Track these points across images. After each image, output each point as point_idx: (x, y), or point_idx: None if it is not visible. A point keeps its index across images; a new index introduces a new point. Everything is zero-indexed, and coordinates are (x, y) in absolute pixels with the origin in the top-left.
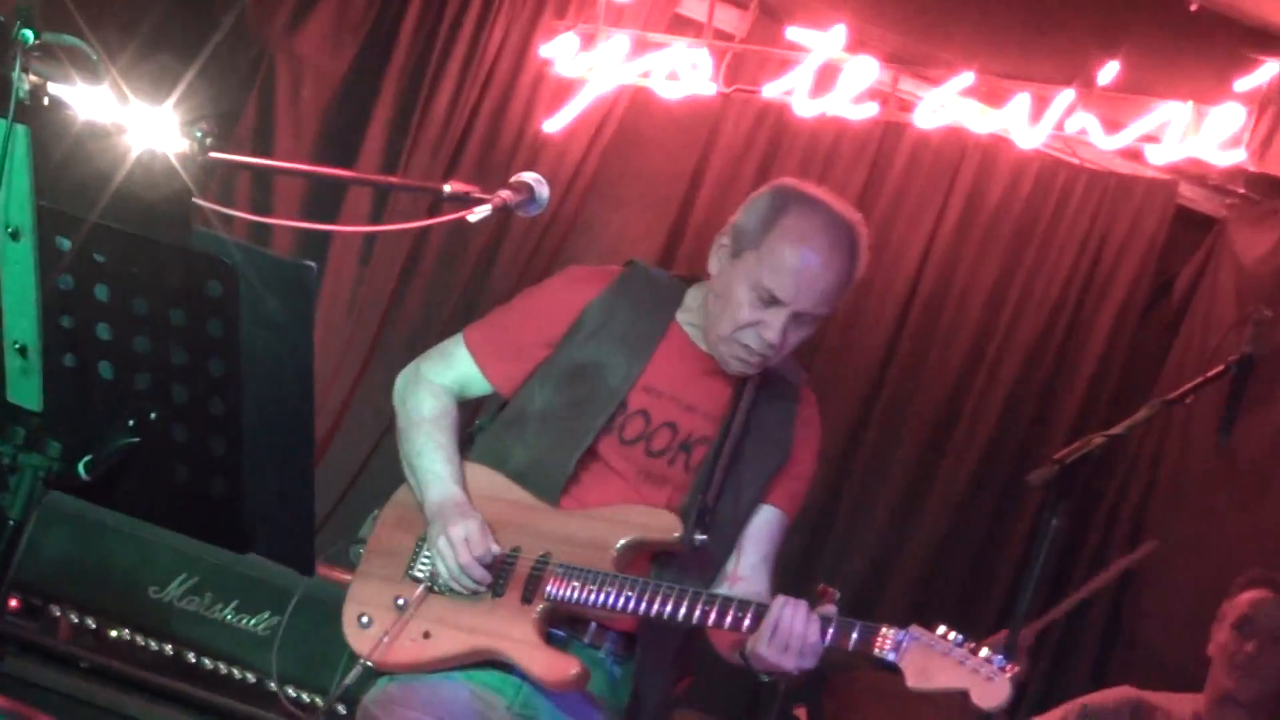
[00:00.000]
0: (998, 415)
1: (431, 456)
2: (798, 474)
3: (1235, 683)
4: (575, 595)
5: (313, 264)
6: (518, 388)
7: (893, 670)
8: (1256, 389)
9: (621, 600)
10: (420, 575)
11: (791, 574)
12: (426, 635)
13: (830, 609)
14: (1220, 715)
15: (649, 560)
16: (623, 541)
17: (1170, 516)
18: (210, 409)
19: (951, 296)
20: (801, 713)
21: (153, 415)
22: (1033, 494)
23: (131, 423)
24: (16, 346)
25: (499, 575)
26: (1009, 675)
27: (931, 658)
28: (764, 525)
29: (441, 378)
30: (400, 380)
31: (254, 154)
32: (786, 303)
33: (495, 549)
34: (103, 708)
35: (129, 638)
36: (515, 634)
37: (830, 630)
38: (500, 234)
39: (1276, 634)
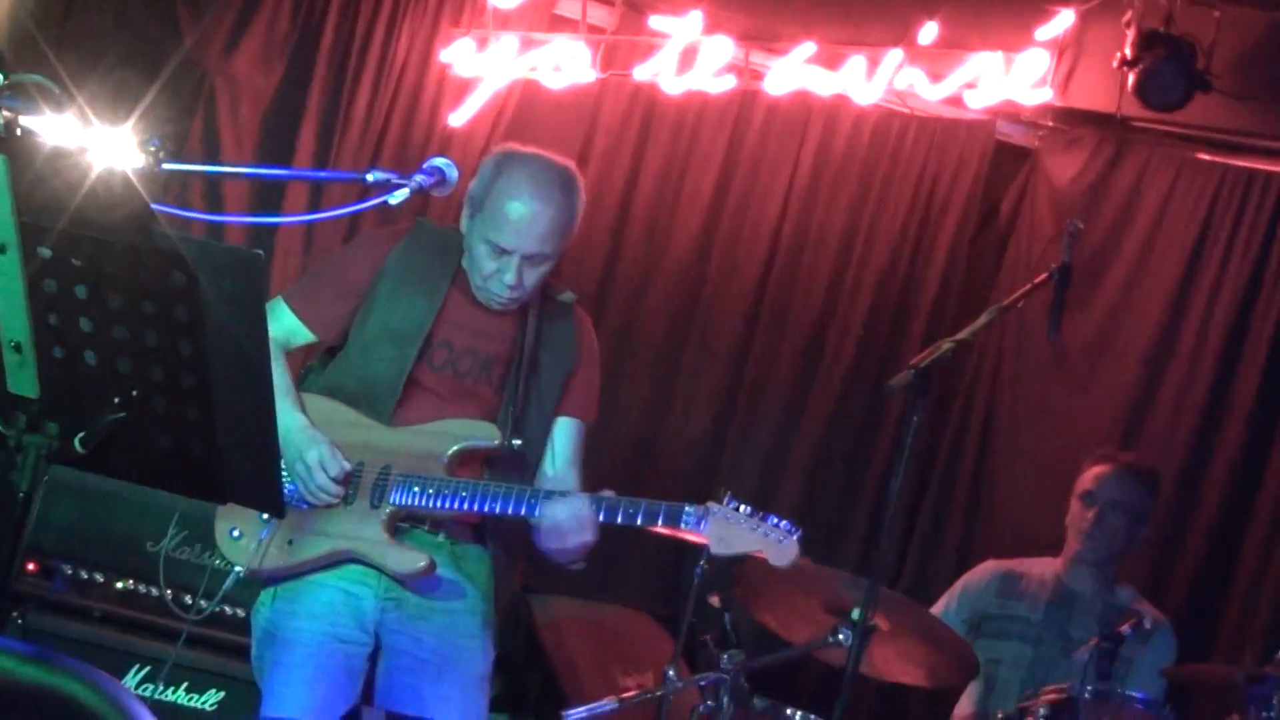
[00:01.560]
0: (859, 335)
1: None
2: (586, 379)
3: (1082, 545)
4: (415, 500)
5: (260, 251)
6: (337, 332)
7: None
8: (1077, 291)
9: (455, 501)
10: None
11: (695, 479)
12: (290, 544)
13: (608, 492)
14: (1073, 574)
15: (481, 464)
16: (451, 450)
17: (1014, 404)
18: (184, 382)
19: (810, 238)
20: (715, 599)
21: (135, 393)
22: (896, 397)
23: (117, 400)
24: (12, 344)
25: (349, 488)
26: (796, 538)
27: (729, 528)
28: (565, 434)
29: (271, 333)
30: None
31: (203, 164)
32: (513, 251)
33: (346, 466)
34: (116, 649)
35: (133, 587)
36: (366, 534)
37: (602, 510)
38: (421, 213)
39: (1114, 501)
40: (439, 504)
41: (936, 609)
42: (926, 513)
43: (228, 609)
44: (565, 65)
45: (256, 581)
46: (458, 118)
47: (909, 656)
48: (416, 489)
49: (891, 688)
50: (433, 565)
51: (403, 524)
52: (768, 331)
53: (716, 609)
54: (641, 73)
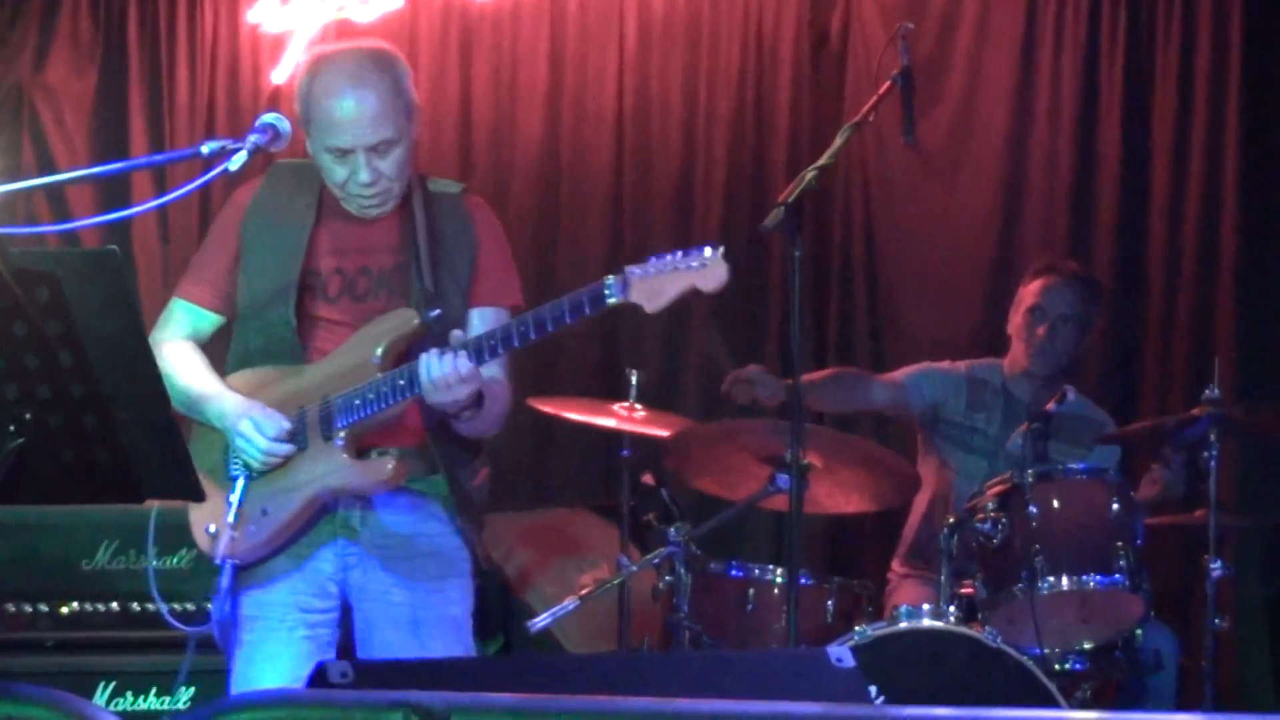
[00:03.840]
0: (724, 186)
1: (198, 387)
2: (495, 263)
3: (1030, 361)
4: (361, 412)
5: (115, 247)
6: (231, 302)
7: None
8: (923, 90)
9: (396, 393)
10: (236, 473)
11: (601, 367)
12: (265, 513)
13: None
14: (1020, 386)
15: (402, 354)
16: (378, 350)
17: (890, 214)
18: (74, 393)
19: (654, 106)
20: (649, 478)
21: (28, 416)
22: (773, 235)
23: (13, 428)
24: None
25: (298, 435)
26: (719, 254)
27: (652, 281)
28: (477, 327)
29: (174, 335)
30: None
31: (38, 178)
32: (353, 148)
33: (285, 424)
34: (79, 672)
35: (78, 608)
36: (331, 466)
37: (530, 328)
38: None
39: (1064, 315)
40: (381, 404)
41: (895, 375)
42: (834, 339)
43: (177, 605)
44: None
45: (246, 567)
46: (279, 74)
47: (849, 485)
48: (357, 401)
49: (840, 520)
50: (401, 466)
51: (360, 448)
52: (634, 207)
53: (652, 486)
54: None
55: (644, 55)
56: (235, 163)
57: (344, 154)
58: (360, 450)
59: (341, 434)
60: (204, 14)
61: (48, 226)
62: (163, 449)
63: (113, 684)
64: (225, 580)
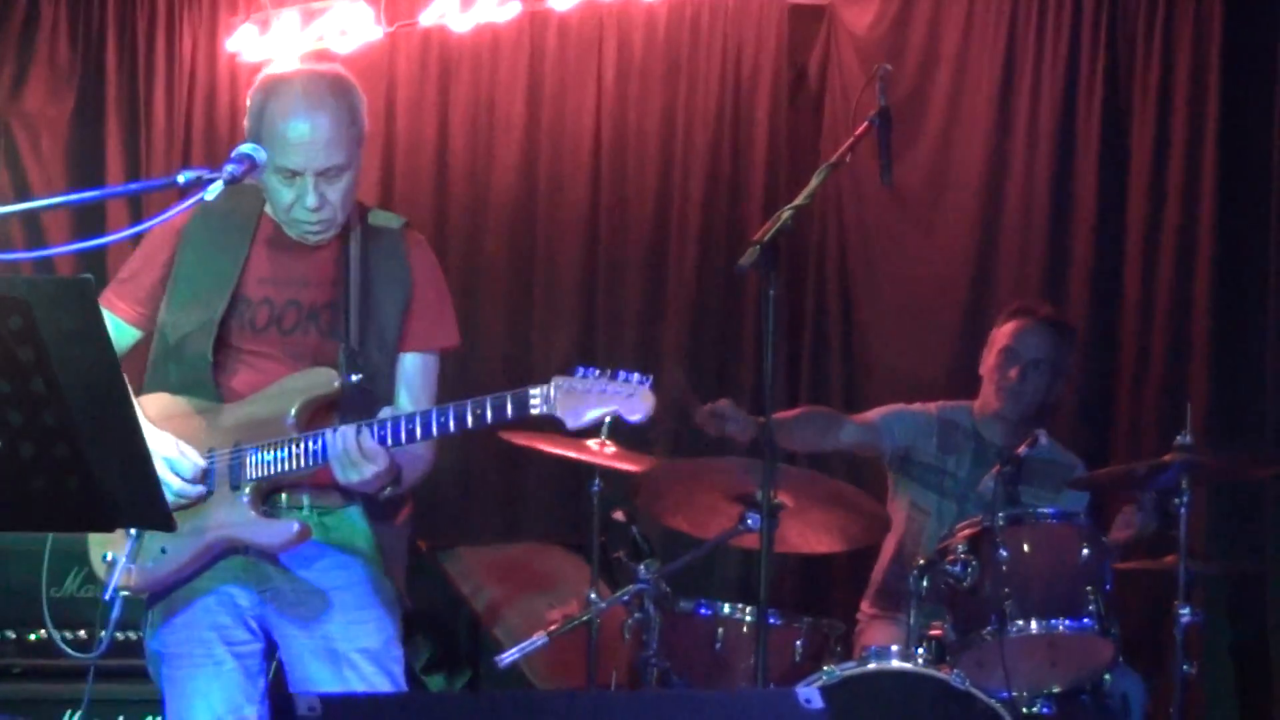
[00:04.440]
0: (700, 225)
1: None
2: (429, 305)
3: (1002, 403)
4: (271, 469)
5: (89, 275)
6: (153, 320)
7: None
8: (900, 132)
9: (307, 457)
10: None
11: None
12: (163, 551)
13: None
14: (990, 429)
15: (331, 413)
16: (294, 408)
17: (866, 256)
18: (45, 421)
19: (630, 143)
20: (619, 514)
21: None
22: (749, 278)
23: None
24: None
25: (208, 477)
26: (647, 386)
27: (577, 398)
28: (414, 369)
29: None
30: None
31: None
32: (303, 171)
33: (200, 463)
34: (47, 700)
35: (46, 635)
36: (235, 519)
37: (450, 418)
38: None
39: (1037, 360)
40: (292, 466)
41: (867, 416)
42: (806, 380)
43: (133, 634)
44: (350, 28)
45: (141, 600)
46: None
47: (819, 525)
48: (269, 457)
49: (810, 560)
50: (306, 529)
51: (268, 500)
52: (610, 241)
53: (623, 523)
54: (427, 18)
55: (622, 91)
56: (211, 193)
57: (293, 176)
58: (267, 499)
59: (249, 489)
60: (182, 42)
61: (22, 253)
62: (134, 478)
63: (79, 713)
64: (115, 613)
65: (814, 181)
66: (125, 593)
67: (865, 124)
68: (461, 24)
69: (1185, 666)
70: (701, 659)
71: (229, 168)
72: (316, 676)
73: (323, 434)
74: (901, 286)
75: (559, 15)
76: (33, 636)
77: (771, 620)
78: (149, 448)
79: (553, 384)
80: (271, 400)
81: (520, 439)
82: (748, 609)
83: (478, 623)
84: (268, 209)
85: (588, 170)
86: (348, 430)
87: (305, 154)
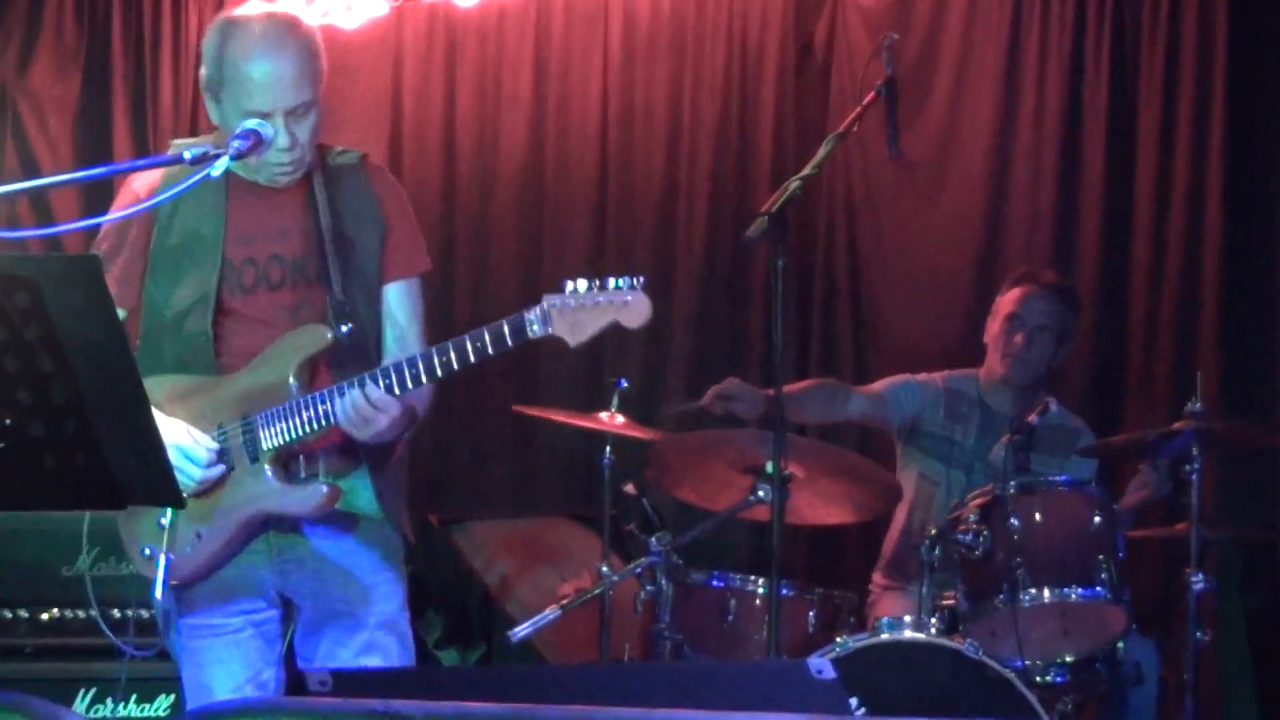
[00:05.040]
0: (709, 196)
1: None
2: (402, 233)
3: (1007, 369)
4: (286, 435)
5: (96, 253)
6: (136, 297)
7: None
8: (907, 102)
9: (318, 419)
10: None
11: (583, 370)
12: (199, 536)
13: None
14: (997, 397)
15: (328, 369)
16: (292, 370)
17: (874, 226)
18: (54, 399)
19: (638, 115)
20: (630, 487)
21: (8, 421)
22: (758, 249)
23: None
24: None
25: (225, 455)
26: (641, 289)
27: (573, 314)
28: (398, 298)
29: None
30: None
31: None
32: (273, 110)
33: (212, 446)
34: (58, 679)
35: (59, 614)
36: (262, 491)
37: (451, 356)
38: None
39: (1042, 325)
40: (305, 430)
41: (874, 387)
42: (816, 350)
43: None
44: (355, 3)
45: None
46: None
47: (830, 496)
48: (281, 425)
49: (822, 531)
50: (336, 491)
51: (288, 468)
52: (618, 215)
53: (634, 496)
54: None
55: (628, 64)
56: (218, 168)
57: (262, 118)
58: (287, 467)
59: (268, 459)
60: (188, 18)
61: (29, 231)
62: (143, 455)
63: (93, 690)
64: (169, 603)
65: (821, 152)
66: (174, 583)
67: (872, 94)
68: None
69: (1198, 634)
70: (714, 631)
71: (235, 144)
72: (331, 639)
73: (330, 394)
74: (910, 256)
75: None
76: (45, 616)
77: (784, 592)
78: (159, 431)
79: (545, 302)
80: (270, 365)
81: (532, 411)
82: (760, 580)
83: (490, 597)
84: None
85: (595, 145)
86: (351, 389)
87: (273, 93)
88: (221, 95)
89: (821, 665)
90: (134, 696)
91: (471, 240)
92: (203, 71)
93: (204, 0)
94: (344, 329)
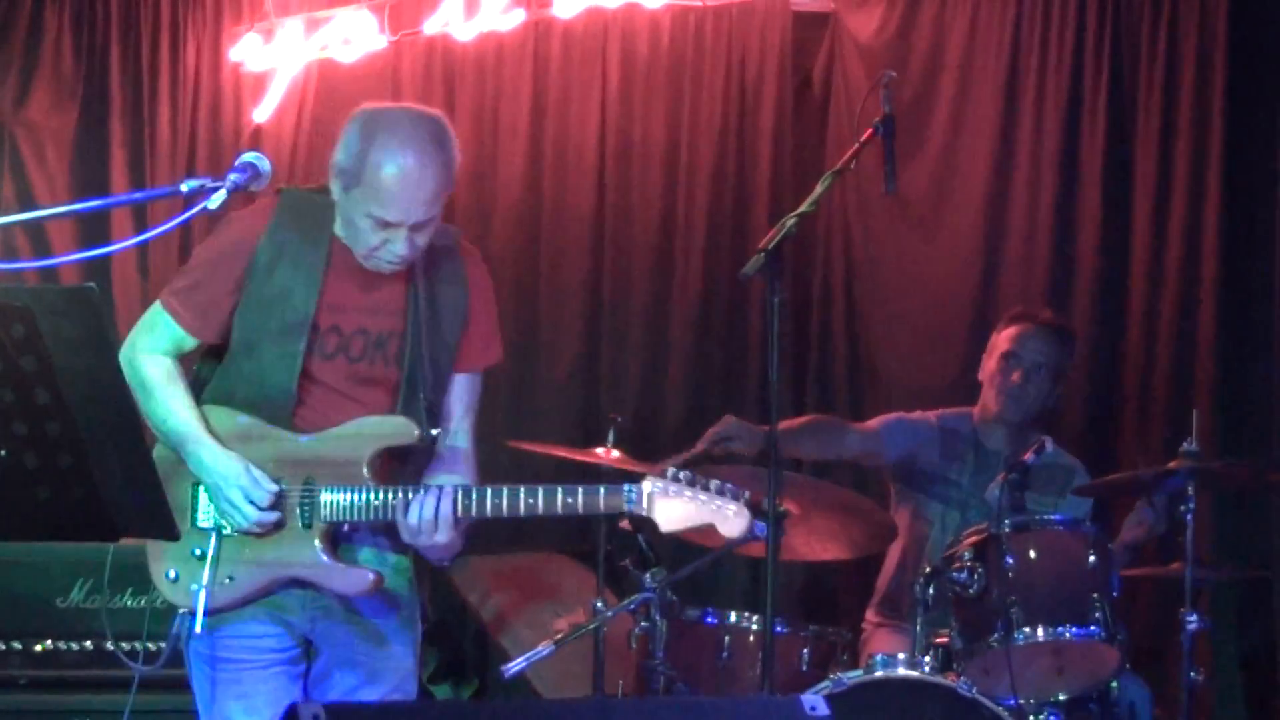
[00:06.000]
0: (705, 233)
1: (177, 416)
2: (483, 324)
3: (1002, 407)
4: (346, 514)
5: (93, 284)
6: (222, 333)
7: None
8: (905, 139)
9: (385, 509)
10: (207, 525)
11: (577, 408)
12: (230, 579)
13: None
14: (991, 435)
15: (391, 459)
16: (370, 453)
17: (870, 263)
18: (49, 432)
19: (635, 151)
20: (626, 523)
21: (3, 453)
22: (754, 285)
23: None
24: None
25: (278, 507)
26: (744, 504)
27: (673, 503)
28: (461, 389)
29: (155, 348)
30: (122, 359)
31: (16, 214)
32: (400, 223)
33: (273, 488)
34: (52, 711)
35: (52, 646)
36: (306, 559)
37: (539, 498)
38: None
39: (1038, 363)
40: (365, 515)
41: (868, 425)
42: (812, 387)
43: (151, 645)
44: (354, 37)
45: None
46: (261, 113)
47: (825, 533)
48: (345, 502)
49: (816, 568)
50: (380, 580)
51: (334, 539)
52: (615, 249)
53: (629, 532)
54: (431, 26)
55: (626, 98)
56: (214, 201)
57: (387, 225)
58: (334, 539)
59: (321, 529)
60: (186, 51)
61: (26, 263)
62: (138, 488)
63: None
64: (176, 629)
65: (818, 188)
66: (185, 612)
67: (870, 131)
68: (465, 32)
69: (1192, 674)
70: (708, 667)
71: (233, 176)
72: (353, 687)
73: (403, 493)
74: (906, 293)
75: (563, 23)
76: (38, 647)
77: (778, 629)
78: (155, 464)
79: (648, 484)
80: (346, 441)
81: (527, 446)
82: (754, 617)
83: (484, 632)
84: (338, 230)
85: (593, 178)
86: (426, 498)
87: (405, 206)
88: (352, 190)
89: (815, 702)
90: None
91: None
92: (338, 158)
93: (201, 33)
94: (433, 432)
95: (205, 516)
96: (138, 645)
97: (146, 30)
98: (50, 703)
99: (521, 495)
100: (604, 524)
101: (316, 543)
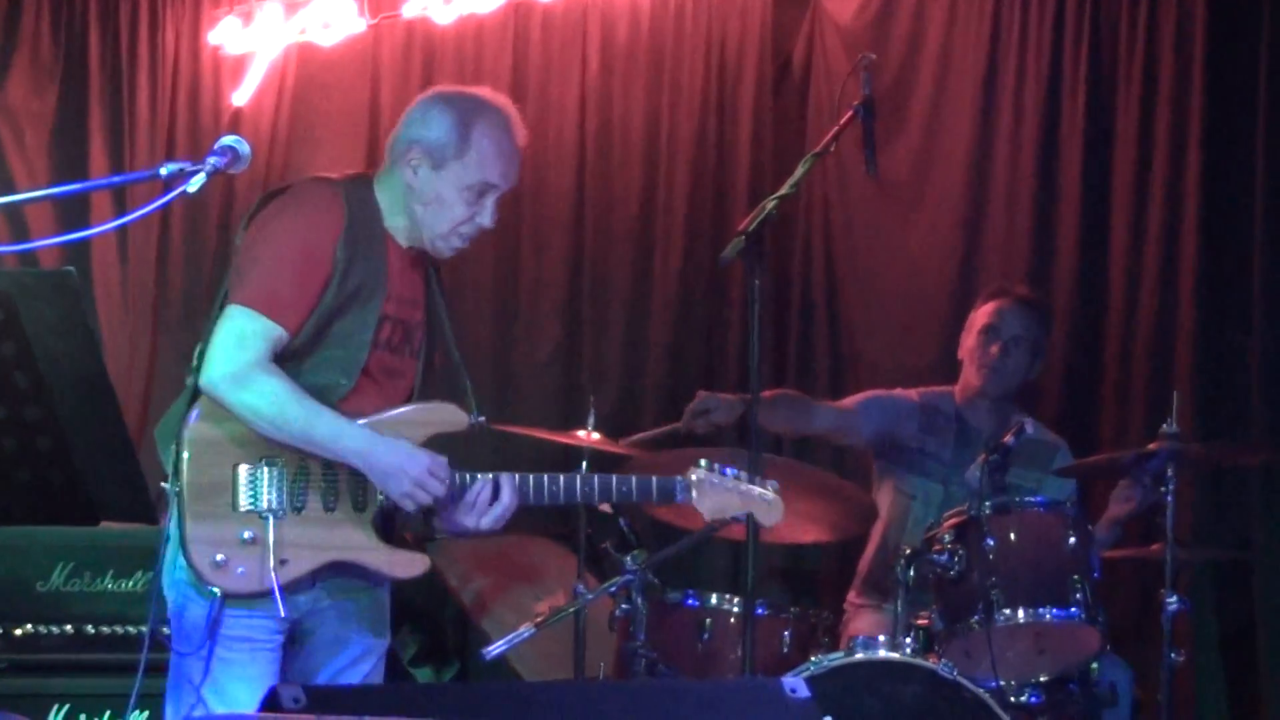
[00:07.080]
0: (685, 216)
1: (323, 418)
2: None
3: (983, 381)
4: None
5: (72, 268)
6: (300, 330)
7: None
8: (885, 121)
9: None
10: (252, 507)
11: (559, 392)
12: (284, 563)
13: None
14: (972, 410)
15: (438, 444)
16: (422, 441)
17: (851, 246)
18: (28, 416)
19: (615, 134)
20: (606, 506)
21: None
22: (735, 268)
23: None
24: None
25: (327, 491)
26: (778, 495)
27: (716, 492)
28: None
29: (263, 356)
30: (224, 381)
31: None
32: (502, 186)
33: (442, 459)
34: (34, 694)
35: (32, 630)
36: (358, 541)
37: (595, 487)
38: (228, 200)
39: (1017, 336)
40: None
41: (846, 402)
42: (793, 369)
43: (131, 629)
44: (333, 20)
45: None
46: (240, 96)
47: (806, 515)
48: None
49: (797, 550)
50: (428, 563)
51: (384, 523)
52: (595, 232)
53: (610, 515)
54: (410, 9)
55: (606, 83)
56: (193, 185)
57: (483, 194)
58: (384, 523)
59: (374, 511)
60: (165, 35)
61: (5, 247)
62: (117, 471)
63: (66, 707)
64: (219, 609)
65: (799, 171)
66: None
67: (850, 114)
68: (445, 15)
69: (1173, 654)
70: (689, 650)
71: (212, 160)
72: (336, 664)
73: (458, 474)
74: (887, 275)
75: (542, 6)
76: (18, 631)
77: (759, 611)
78: (135, 447)
79: (694, 475)
80: (399, 428)
81: (508, 427)
82: (735, 600)
83: (465, 615)
84: (387, 223)
85: (572, 161)
86: (489, 481)
87: (512, 170)
88: (448, 164)
89: (796, 684)
90: (108, 712)
91: (448, 267)
92: (429, 135)
93: (180, 17)
94: (481, 419)
95: (249, 500)
96: (121, 630)
97: (125, 14)
98: (30, 687)
99: (578, 482)
100: (584, 507)
101: (367, 524)
